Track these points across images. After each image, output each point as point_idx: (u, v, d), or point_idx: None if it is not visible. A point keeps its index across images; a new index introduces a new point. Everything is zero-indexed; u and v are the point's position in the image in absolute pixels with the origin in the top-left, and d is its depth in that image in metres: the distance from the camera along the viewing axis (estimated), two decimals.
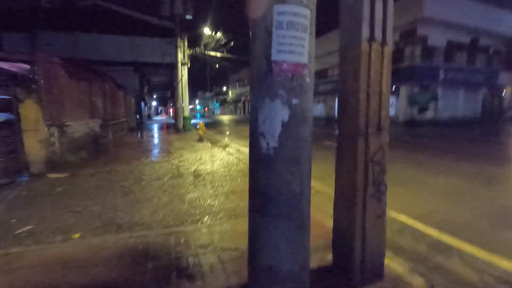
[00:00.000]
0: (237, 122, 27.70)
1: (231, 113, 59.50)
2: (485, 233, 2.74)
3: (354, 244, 1.76)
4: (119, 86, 13.55)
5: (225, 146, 9.13)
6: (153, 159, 6.72)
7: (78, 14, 16.97)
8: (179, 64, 15.16)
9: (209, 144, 9.50)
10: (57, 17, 16.58)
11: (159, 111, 66.07)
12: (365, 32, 1.65)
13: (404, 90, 18.97)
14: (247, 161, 4.96)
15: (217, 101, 69.12)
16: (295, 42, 1.25)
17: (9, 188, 4.15)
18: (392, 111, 26.50)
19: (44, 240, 2.49)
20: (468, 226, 2.91)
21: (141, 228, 2.76)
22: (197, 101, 72.55)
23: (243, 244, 2.35)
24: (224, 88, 58.68)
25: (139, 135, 13.51)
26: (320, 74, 28.59)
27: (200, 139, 10.70)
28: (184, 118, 15.55)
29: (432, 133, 13.30)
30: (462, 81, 19.78)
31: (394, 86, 19.61)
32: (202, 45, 15.82)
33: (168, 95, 41.12)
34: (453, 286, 1.86)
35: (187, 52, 15.58)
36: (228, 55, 16.91)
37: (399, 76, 18.65)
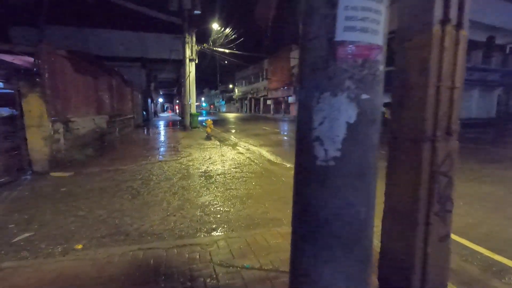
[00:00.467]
0: (243, 120, 27.40)
1: (237, 111, 59.21)
2: None
3: (413, 274, 1.44)
4: (127, 81, 13.34)
5: (234, 145, 8.84)
6: (161, 157, 6.45)
7: (86, 9, 16.81)
8: (187, 60, 14.88)
9: (217, 143, 9.21)
10: (65, 13, 16.45)
11: (165, 108, 66.17)
12: (438, 12, 1.31)
13: None
14: (260, 162, 4.68)
15: (222, 99, 68.91)
16: (369, 17, 0.93)
17: (11, 188, 3.91)
18: None
19: (43, 251, 2.21)
20: None
21: (151, 238, 2.47)
22: (202, 99, 72.44)
23: (267, 260, 2.05)
24: (230, 86, 58.34)
25: (146, 132, 13.30)
26: None
27: (208, 137, 10.42)
28: (191, 115, 15.30)
29: None
30: (476, 81, 19.12)
31: None
32: (210, 41, 15.51)
33: (174, 92, 41.01)
34: None
35: (195, 48, 15.29)
36: (236, 51, 16.58)
37: None
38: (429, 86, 1.34)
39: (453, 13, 1.33)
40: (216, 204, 3.37)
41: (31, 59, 4.85)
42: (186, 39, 14.60)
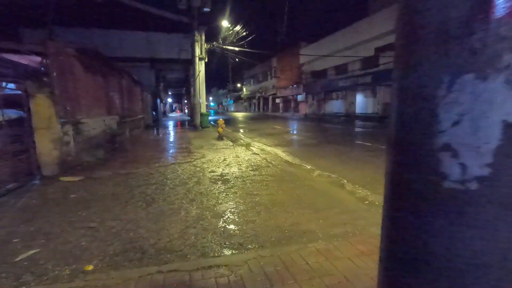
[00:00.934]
0: (253, 119, 27.07)
1: (245, 110, 58.95)
2: None
3: None
4: (136, 82, 13.18)
5: (247, 145, 8.51)
6: (173, 159, 6.17)
7: (95, 10, 16.76)
8: (197, 59, 14.63)
9: (230, 143, 8.90)
10: (74, 13, 16.43)
11: (173, 108, 66.48)
12: None
13: None
14: (277, 163, 4.20)
15: (230, 98, 68.78)
16: None
17: (19, 194, 3.67)
18: None
19: (49, 273, 1.92)
20: None
21: (170, 256, 2.15)
22: (210, 98, 72.51)
23: None
24: (238, 85, 58.11)
25: (156, 133, 13.11)
26: (340, 69, 27.48)
27: (220, 137, 10.12)
28: (201, 114, 15.06)
29: None
30: None
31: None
32: (220, 39, 15.21)
33: (183, 92, 41.00)
34: None
35: (204, 46, 15.02)
36: (246, 49, 16.25)
37: None
38: None
39: None
40: (239, 212, 3.04)
41: (39, 59, 4.62)
42: (195, 37, 14.35)
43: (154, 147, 8.35)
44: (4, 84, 3.88)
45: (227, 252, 2.23)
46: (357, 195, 3.87)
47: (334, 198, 3.59)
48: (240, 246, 2.31)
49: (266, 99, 47.74)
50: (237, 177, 4.54)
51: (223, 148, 7.84)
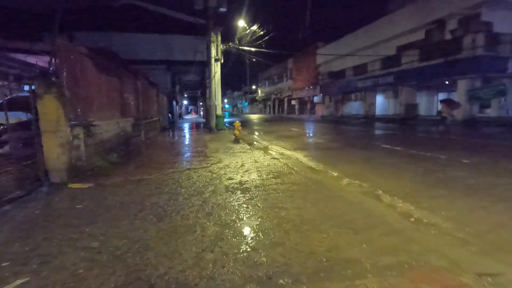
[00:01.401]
0: (268, 121, 26.60)
1: (259, 112, 58.58)
2: None
3: None
4: (152, 83, 13.06)
5: (265, 149, 8.05)
6: (188, 164, 5.80)
7: (112, 14, 16.92)
8: (212, 60, 14.37)
9: (247, 146, 8.47)
10: (92, 18, 16.66)
11: (189, 110, 67.21)
12: None
13: (463, 84, 16.59)
14: (300, 170, 3.56)
15: (245, 100, 68.69)
16: None
17: (22, 203, 3.39)
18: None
19: None
20: None
21: None
22: (225, 100, 72.83)
23: None
24: (253, 87, 57.86)
25: (171, 135, 12.93)
26: (359, 69, 26.54)
27: (236, 140, 9.73)
28: (217, 116, 14.76)
29: (504, 134, 11.10)
30: None
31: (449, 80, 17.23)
32: (236, 39, 14.89)
33: (198, 94, 41.18)
34: None
35: (220, 47, 14.74)
36: (263, 50, 15.84)
37: (457, 68, 16.35)
38: None
39: None
40: (263, 231, 2.58)
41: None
42: (211, 38, 14.09)
43: (169, 150, 8.05)
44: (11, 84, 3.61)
45: None
46: (399, 209, 3.32)
47: (373, 214, 3.05)
48: (269, 281, 1.85)
49: (281, 101, 47.17)
50: (257, 186, 4.09)
51: (240, 152, 7.42)
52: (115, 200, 3.52)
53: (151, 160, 6.40)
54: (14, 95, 5.44)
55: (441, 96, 24.12)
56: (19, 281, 1.82)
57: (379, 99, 26.36)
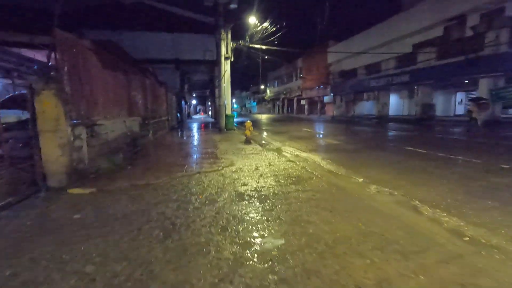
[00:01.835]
0: (278, 121, 26.10)
1: (268, 112, 58.05)
2: None
3: None
4: (161, 82, 12.75)
5: (278, 150, 7.58)
6: (199, 167, 5.39)
7: (122, 12, 16.77)
8: (222, 58, 13.97)
9: (259, 147, 8.02)
10: (102, 16, 16.52)
11: (197, 109, 67.27)
12: None
13: (485, 83, 15.73)
14: (320, 174, 2.83)
15: (254, 100, 68.31)
16: None
17: (15, 211, 3.03)
18: (461, 109, 22.79)
19: None
20: None
21: None
22: (233, 100, 72.65)
23: None
24: (262, 87, 57.39)
25: (180, 135, 12.60)
26: (372, 68, 25.76)
27: (247, 141, 9.30)
28: (227, 116, 14.38)
29: None
30: None
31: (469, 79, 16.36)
32: (247, 37, 14.46)
33: (207, 94, 40.98)
34: None
35: (230, 45, 14.34)
36: (275, 47, 15.38)
37: (479, 66, 15.53)
38: None
39: None
40: (292, 254, 2.12)
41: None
42: (221, 35, 13.70)
43: (178, 151, 7.67)
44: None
45: None
46: (445, 225, 2.81)
47: (417, 231, 2.56)
48: None
49: (290, 101, 46.58)
50: (276, 194, 3.63)
51: (253, 153, 6.98)
52: (118, 209, 3.12)
53: (159, 161, 6.02)
54: (16, 92, 5.14)
55: (459, 96, 23.15)
56: None
57: (393, 98, 25.51)
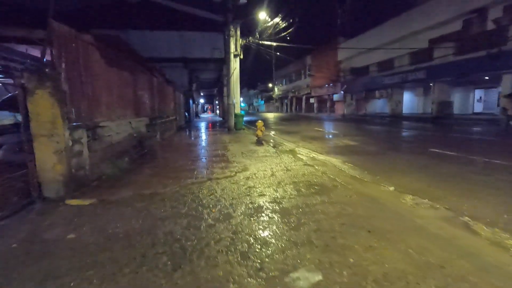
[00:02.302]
0: (287, 120, 25.52)
1: (276, 110, 57.39)
2: None
3: None
4: (169, 81, 12.39)
5: (293, 152, 7.08)
6: (209, 173, 4.95)
7: (129, 11, 16.51)
8: (231, 56, 13.52)
9: (271, 149, 7.55)
10: (109, 15, 16.28)
11: (205, 108, 67.19)
12: None
13: (508, 79, 14.86)
14: (343, 180, 2.42)
15: (261, 98, 67.73)
16: None
17: (2, 229, 2.63)
18: (480, 107, 21.80)
19: None
20: None
21: None
22: (241, 99, 72.21)
23: None
24: (270, 85, 56.75)
25: (188, 135, 12.23)
26: (384, 65, 24.93)
27: (259, 142, 8.84)
28: (236, 115, 13.94)
29: None
30: None
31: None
32: (257, 33, 13.96)
33: (215, 92, 40.65)
34: None
35: (240, 42, 13.87)
36: (285, 44, 14.84)
37: (502, 61, 14.68)
38: None
39: None
40: None
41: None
42: (230, 32, 13.25)
43: (187, 153, 7.26)
44: None
45: None
46: None
47: (481, 259, 2.07)
48: None
49: (299, 99, 45.85)
50: (300, 207, 3.16)
51: (266, 156, 6.51)
52: (119, 226, 2.70)
53: (166, 165, 5.61)
54: (16, 93, 4.78)
55: (478, 93, 22.14)
56: None
57: (406, 96, 24.63)
